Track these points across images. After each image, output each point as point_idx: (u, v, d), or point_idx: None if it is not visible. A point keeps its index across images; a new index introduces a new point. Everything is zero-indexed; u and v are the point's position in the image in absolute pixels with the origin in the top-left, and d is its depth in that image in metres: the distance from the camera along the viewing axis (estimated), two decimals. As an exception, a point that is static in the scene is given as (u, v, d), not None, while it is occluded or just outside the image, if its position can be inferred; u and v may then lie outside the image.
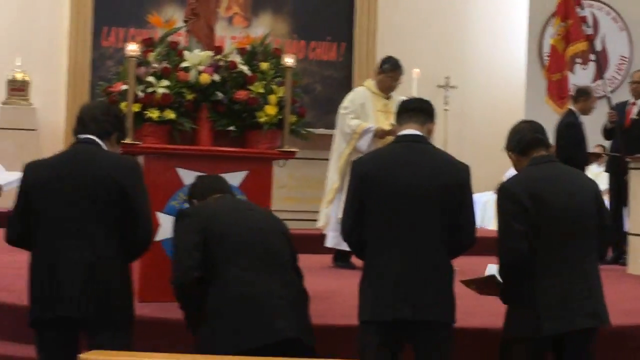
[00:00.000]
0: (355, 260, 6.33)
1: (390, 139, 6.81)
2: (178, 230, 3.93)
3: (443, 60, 12.19)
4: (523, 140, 3.95)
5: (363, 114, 7.05)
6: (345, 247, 6.64)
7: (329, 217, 7.17)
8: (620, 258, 7.96)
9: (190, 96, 5.17)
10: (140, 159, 5.17)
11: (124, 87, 5.10)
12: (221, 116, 5.27)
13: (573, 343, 3.76)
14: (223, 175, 4.58)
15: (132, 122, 4.98)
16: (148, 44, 5.31)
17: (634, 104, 8.29)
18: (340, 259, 7.18)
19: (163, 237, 4.91)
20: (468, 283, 4.04)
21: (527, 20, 11.58)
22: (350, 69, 12.27)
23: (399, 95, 7.28)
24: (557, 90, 8.92)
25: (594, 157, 8.51)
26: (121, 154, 4.14)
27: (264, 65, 5.39)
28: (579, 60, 10.90)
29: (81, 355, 2.86)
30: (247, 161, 5.24)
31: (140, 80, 5.09)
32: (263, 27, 10.92)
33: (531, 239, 3.70)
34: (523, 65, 11.59)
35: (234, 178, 5.03)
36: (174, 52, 5.29)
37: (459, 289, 3.89)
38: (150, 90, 5.09)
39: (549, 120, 9.45)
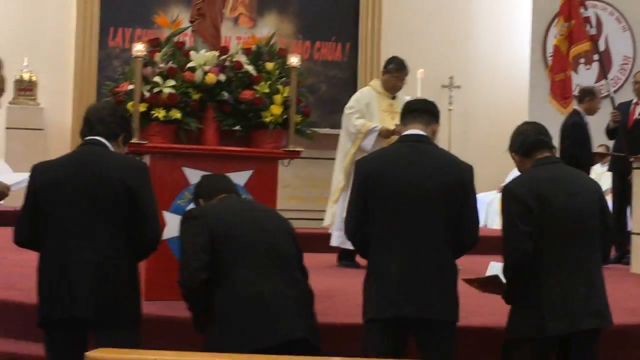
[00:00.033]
0: (360, 259, 6.33)
1: (395, 138, 6.81)
2: (185, 232, 3.92)
3: (447, 61, 12.18)
4: (526, 141, 3.95)
5: (368, 113, 7.05)
6: (349, 246, 6.64)
7: (334, 217, 7.17)
8: (623, 257, 7.94)
9: (196, 96, 5.18)
10: (147, 158, 5.18)
11: (131, 87, 5.10)
12: (227, 116, 5.27)
13: (577, 343, 3.75)
14: (229, 174, 4.58)
15: (139, 121, 4.98)
16: (154, 44, 5.32)
17: (637, 103, 8.28)
18: (345, 258, 7.19)
19: (169, 235, 4.92)
20: (470, 281, 4.04)
21: (531, 20, 11.56)
22: (355, 69, 12.27)
23: (404, 95, 7.30)
24: (560, 90, 8.90)
25: (599, 157, 8.49)
26: (127, 153, 4.15)
27: (270, 66, 5.40)
28: (582, 60, 10.88)
29: (88, 353, 2.86)
30: (252, 160, 5.24)
31: (146, 80, 5.10)
32: (268, 28, 10.92)
33: (536, 240, 3.70)
34: (527, 66, 11.57)
35: (240, 177, 5.03)
36: (180, 52, 5.30)
37: (462, 288, 3.89)
38: (156, 90, 5.10)
39: (553, 120, 9.45)
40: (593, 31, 8.86)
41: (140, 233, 3.75)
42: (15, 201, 4.58)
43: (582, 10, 8.60)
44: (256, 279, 3.75)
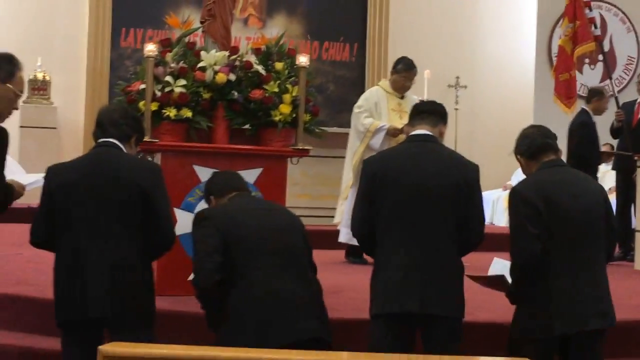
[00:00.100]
0: (367, 256, 6.34)
1: (402, 137, 6.82)
2: (197, 234, 3.91)
3: (454, 61, 12.16)
4: (533, 145, 3.94)
5: (377, 112, 7.06)
6: (357, 242, 6.66)
7: (343, 214, 7.18)
8: (627, 255, 7.92)
9: (206, 95, 5.18)
10: (158, 157, 5.19)
11: (142, 86, 5.11)
12: (237, 115, 5.28)
13: (581, 343, 3.75)
14: (239, 172, 4.58)
15: (150, 120, 4.99)
16: (166, 45, 5.32)
17: (641, 103, 8.26)
18: (353, 254, 7.19)
19: (180, 232, 4.90)
20: (475, 278, 4.04)
21: (536, 21, 11.53)
22: (362, 69, 12.25)
23: (412, 95, 7.30)
24: (564, 90, 8.88)
25: (607, 157, 8.46)
26: (139, 152, 4.16)
27: (279, 65, 5.40)
28: (587, 60, 10.85)
29: (101, 347, 2.87)
30: (262, 159, 5.25)
31: (158, 79, 5.11)
32: (277, 28, 10.91)
33: (544, 241, 3.70)
34: (532, 66, 11.54)
35: (249, 175, 5.03)
36: (190, 52, 5.30)
37: (467, 283, 3.89)
38: (167, 89, 5.11)
39: (558, 119, 9.43)
40: (598, 32, 8.84)
41: (154, 234, 3.76)
42: (29, 199, 4.59)
43: (586, 11, 8.57)
44: (269, 278, 3.74)
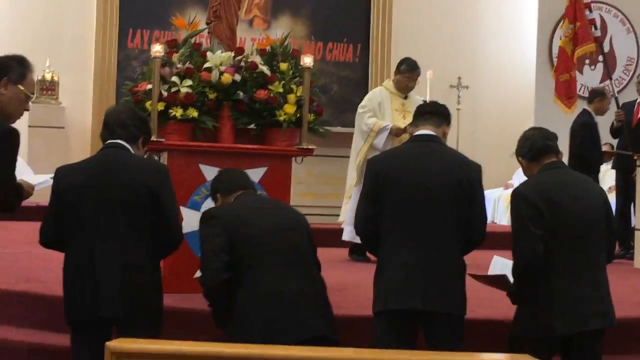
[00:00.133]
0: (371, 254, 6.33)
1: (405, 136, 6.82)
2: (205, 233, 3.91)
3: (456, 62, 12.14)
4: (534, 147, 3.94)
5: (380, 112, 7.06)
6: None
7: (347, 212, 7.19)
8: (627, 253, 7.91)
9: (212, 95, 5.19)
10: (165, 156, 5.20)
11: (149, 86, 5.11)
12: (242, 114, 5.28)
13: (582, 343, 3.75)
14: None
15: (157, 120, 5.00)
16: (172, 45, 5.33)
17: (641, 103, 8.25)
18: (356, 252, 7.19)
19: (186, 230, 4.90)
20: (477, 277, 4.04)
21: (537, 22, 11.51)
22: (366, 70, 12.24)
23: (416, 95, 7.30)
24: (565, 91, 8.88)
25: (608, 156, 8.44)
26: (146, 150, 4.16)
27: (283, 66, 5.40)
28: (587, 61, 10.84)
29: (108, 343, 2.87)
30: (266, 158, 5.25)
31: (164, 80, 5.11)
32: (282, 29, 10.87)
33: (546, 242, 3.69)
34: (533, 67, 11.53)
35: (254, 174, 5.02)
36: (196, 53, 5.31)
37: (468, 282, 3.89)
38: (174, 89, 5.11)
39: (558, 119, 9.42)
40: (598, 33, 8.83)
41: (163, 234, 3.76)
42: (37, 198, 4.59)
43: (587, 12, 8.56)
44: (275, 277, 3.74)
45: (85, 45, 11.47)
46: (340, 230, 7.26)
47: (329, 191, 9.10)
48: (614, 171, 8.67)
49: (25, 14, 11.26)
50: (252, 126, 5.32)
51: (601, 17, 11.14)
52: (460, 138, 11.40)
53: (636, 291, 5.85)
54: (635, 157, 7.59)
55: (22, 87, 3.63)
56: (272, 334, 3.57)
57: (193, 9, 10.88)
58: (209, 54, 5.30)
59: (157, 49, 5.01)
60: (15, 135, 3.56)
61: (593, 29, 8.60)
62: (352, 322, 4.45)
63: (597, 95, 8.28)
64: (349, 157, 7.42)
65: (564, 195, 3.78)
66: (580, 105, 8.60)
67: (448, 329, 3.78)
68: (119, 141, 3.82)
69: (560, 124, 9.50)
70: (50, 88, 10.95)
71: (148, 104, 5.06)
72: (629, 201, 8.08)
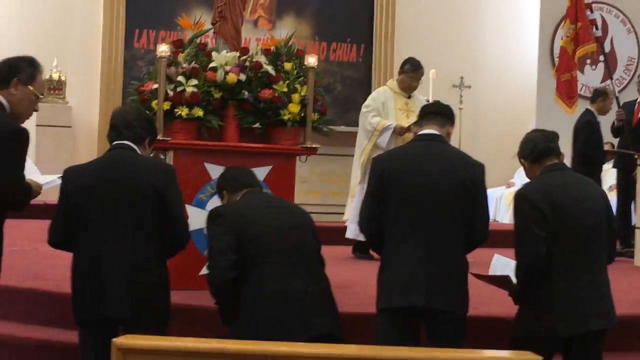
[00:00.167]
0: (374, 252, 6.33)
1: (408, 135, 6.82)
2: (212, 232, 3.91)
3: (458, 62, 12.13)
4: (536, 149, 3.94)
5: (384, 112, 7.05)
6: (364, 238, 6.65)
7: (351, 210, 7.19)
8: (627, 252, 7.90)
9: (217, 95, 5.19)
10: (170, 154, 5.20)
11: (155, 86, 5.12)
12: (247, 114, 5.28)
13: (583, 343, 3.74)
14: (248, 169, 4.58)
15: (163, 119, 5.00)
16: (178, 45, 5.33)
17: (641, 103, 8.24)
18: (360, 250, 7.19)
19: (191, 228, 4.90)
20: (480, 277, 4.03)
21: (539, 23, 11.50)
22: (369, 70, 12.24)
23: (419, 95, 7.30)
24: (566, 90, 8.87)
25: (610, 155, 8.43)
26: (152, 149, 4.16)
27: (288, 66, 5.40)
28: (588, 61, 10.82)
29: (115, 340, 2.87)
30: (271, 156, 5.25)
31: (170, 79, 5.11)
32: (286, 30, 10.89)
33: (549, 244, 3.69)
34: (535, 67, 11.50)
35: (259, 172, 5.01)
36: (202, 53, 5.31)
37: (470, 278, 3.88)
38: (179, 89, 5.11)
39: (559, 119, 9.40)
40: (599, 33, 8.82)
41: (170, 234, 3.76)
42: (44, 196, 4.60)
43: (588, 12, 8.55)
44: (280, 276, 3.74)
45: (92, 45, 11.48)
46: (344, 228, 7.25)
47: (333, 189, 9.10)
48: (615, 170, 8.66)
49: (34, 14, 11.28)
50: (256, 125, 5.32)
51: (602, 17, 11.11)
52: (463, 137, 11.39)
53: (636, 289, 5.84)
54: (636, 156, 7.58)
55: (32, 88, 3.65)
56: (277, 333, 3.56)
57: (198, 10, 10.87)
58: (214, 53, 5.30)
59: (163, 49, 5.01)
60: (25, 135, 3.57)
61: (594, 29, 8.59)
62: (355, 319, 4.45)
63: (599, 95, 8.27)
64: (352, 155, 7.42)
65: (566, 197, 3.77)
66: (581, 105, 8.59)
67: (450, 327, 3.78)
68: (125, 142, 3.82)
69: (562, 123, 9.48)
70: (57, 87, 10.95)
71: (154, 103, 5.06)
72: (630, 200, 8.07)
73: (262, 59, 5.41)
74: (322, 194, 9.22)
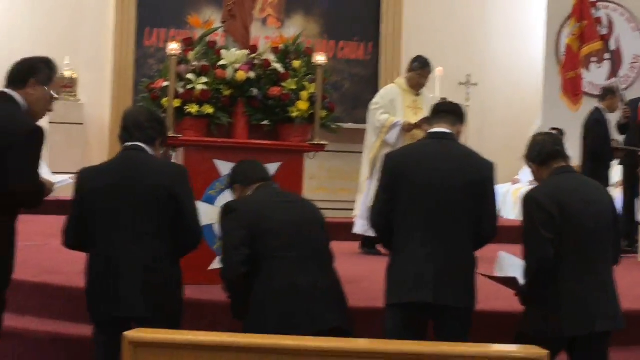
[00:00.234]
0: (381, 247, 6.33)
1: (416, 132, 6.82)
2: (225, 226, 3.91)
3: (465, 59, 12.11)
4: (543, 151, 3.93)
5: (392, 109, 7.05)
6: (372, 234, 6.66)
7: (359, 206, 7.20)
8: (632, 247, 7.88)
9: (227, 92, 5.19)
10: (181, 151, 5.21)
11: (165, 83, 5.12)
12: (256, 111, 5.28)
13: (588, 344, 3.74)
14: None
15: (173, 116, 5.01)
16: (188, 44, 5.33)
17: (646, 100, 8.22)
18: (367, 245, 7.19)
19: (201, 224, 4.93)
20: (488, 277, 4.03)
21: (545, 21, 11.46)
22: (376, 67, 12.23)
23: (427, 92, 7.29)
24: (571, 88, 8.86)
25: (619, 153, 8.39)
26: (164, 150, 4.17)
27: (296, 64, 5.40)
28: (594, 59, 10.78)
29: (126, 333, 2.88)
30: (280, 153, 5.25)
31: (180, 77, 5.12)
32: (295, 28, 10.90)
33: (557, 246, 3.69)
34: (541, 64, 11.47)
35: (268, 169, 5.01)
36: (212, 51, 5.31)
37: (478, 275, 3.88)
38: (189, 86, 5.12)
39: (565, 116, 9.39)
40: (604, 31, 8.81)
41: (182, 234, 3.76)
42: (57, 192, 4.61)
43: (593, 11, 8.53)
44: (291, 271, 3.74)
45: (103, 43, 11.50)
46: (351, 224, 7.25)
47: (341, 186, 9.10)
48: (620, 167, 8.64)
49: (46, 14, 11.30)
50: (265, 122, 5.33)
51: (608, 15, 11.08)
52: (469, 134, 11.35)
53: (638, 284, 5.82)
54: (640, 153, 7.57)
55: (48, 89, 3.68)
56: (287, 327, 3.56)
57: (208, 8, 10.90)
58: (223, 51, 5.30)
59: (174, 47, 5.02)
60: (41, 134, 3.60)
61: (599, 27, 8.57)
62: (363, 313, 4.44)
63: (608, 93, 8.26)
64: (360, 152, 7.42)
65: (574, 199, 3.77)
66: (587, 102, 8.57)
67: (458, 322, 3.79)
68: (137, 143, 3.82)
69: (567, 120, 9.47)
70: (69, 85, 10.97)
71: (164, 100, 5.07)
72: (635, 196, 8.06)
73: (271, 57, 5.41)
74: (330, 191, 9.21)
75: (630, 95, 8.91)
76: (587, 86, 10.12)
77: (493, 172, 3.92)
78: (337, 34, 12.07)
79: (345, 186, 8.82)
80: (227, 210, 3.95)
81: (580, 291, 3.69)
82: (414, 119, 6.90)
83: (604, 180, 7.73)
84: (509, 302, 4.33)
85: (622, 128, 8.32)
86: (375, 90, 9.09)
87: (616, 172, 8.97)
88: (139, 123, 3.85)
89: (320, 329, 3.60)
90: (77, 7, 11.41)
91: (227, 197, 4.75)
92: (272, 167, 5.14)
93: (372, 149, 7.07)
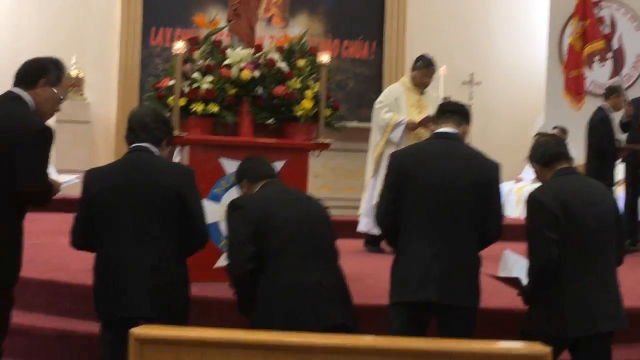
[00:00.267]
0: (385, 245, 6.33)
1: (420, 130, 6.82)
2: (232, 223, 3.91)
3: (468, 58, 12.10)
4: (546, 153, 3.94)
5: (397, 107, 7.04)
6: (376, 232, 6.66)
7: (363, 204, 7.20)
8: (634, 245, 7.87)
9: (232, 91, 5.19)
10: (186, 150, 5.21)
11: (171, 82, 5.12)
12: (261, 110, 5.28)
13: (591, 344, 3.74)
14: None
15: (179, 115, 5.01)
16: (193, 43, 5.33)
17: (649, 98, 8.20)
18: (371, 243, 7.18)
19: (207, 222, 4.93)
20: (492, 277, 4.02)
21: (548, 20, 11.45)
22: (380, 67, 12.23)
23: (431, 91, 7.29)
24: (574, 87, 8.84)
25: (623, 152, 8.37)
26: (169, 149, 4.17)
27: (301, 63, 5.40)
28: (597, 58, 10.76)
29: (133, 330, 2.88)
30: (284, 152, 5.25)
31: (186, 76, 5.12)
32: (300, 27, 10.90)
33: (560, 246, 3.69)
34: (544, 63, 11.47)
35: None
36: (217, 50, 5.31)
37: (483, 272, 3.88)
38: (195, 85, 5.12)
39: (568, 115, 9.38)
40: (607, 30, 8.79)
41: (189, 234, 3.76)
42: (64, 190, 4.63)
43: (596, 10, 8.51)
44: (297, 268, 3.74)
45: (109, 43, 11.52)
46: (355, 222, 7.25)
47: (345, 184, 9.10)
48: (622, 165, 8.62)
49: (53, 14, 11.33)
50: (270, 121, 5.32)
51: (611, 14, 11.06)
52: (472, 132, 11.32)
53: (642, 282, 5.82)
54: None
55: (57, 90, 3.69)
56: (292, 324, 3.55)
57: (214, 8, 10.91)
58: (229, 51, 5.30)
59: (179, 47, 5.02)
60: (49, 133, 3.61)
61: (602, 26, 8.55)
62: (367, 310, 4.44)
63: (613, 92, 8.24)
64: (364, 151, 7.41)
65: (578, 200, 3.77)
66: (589, 101, 8.54)
67: (462, 321, 3.78)
68: (144, 144, 3.82)
69: (570, 119, 9.47)
70: (76, 84, 10.99)
71: (170, 99, 5.07)
72: (637, 194, 8.04)
73: (275, 56, 5.41)
74: (334, 189, 9.21)
75: (632, 94, 8.89)
76: (590, 85, 10.10)
77: (499, 173, 3.92)
78: (342, 34, 12.07)
79: (349, 184, 8.82)
80: (234, 207, 3.94)
81: (583, 292, 3.69)
82: (418, 118, 6.89)
83: (609, 179, 7.72)
84: (512, 299, 4.32)
85: (624, 126, 8.30)
86: (379, 89, 9.10)
87: (619, 170, 8.95)
88: (145, 124, 3.84)
89: (325, 326, 3.59)
90: (84, 7, 11.43)
91: (232, 195, 4.76)
92: (277, 166, 5.13)
93: (376, 147, 7.06)
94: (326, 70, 5.29)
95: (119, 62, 11.47)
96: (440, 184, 3.78)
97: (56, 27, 11.22)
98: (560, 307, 3.69)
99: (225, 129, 5.22)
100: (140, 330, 2.89)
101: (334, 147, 5.76)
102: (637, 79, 11.15)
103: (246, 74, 5.19)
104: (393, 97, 7.10)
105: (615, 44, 10.82)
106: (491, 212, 3.86)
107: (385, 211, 3.94)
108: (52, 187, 3.71)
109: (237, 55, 5.27)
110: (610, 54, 10.30)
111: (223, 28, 5.60)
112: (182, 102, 5.04)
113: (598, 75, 10.83)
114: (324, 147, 5.34)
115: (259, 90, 5.26)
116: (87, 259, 3.89)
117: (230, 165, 5.04)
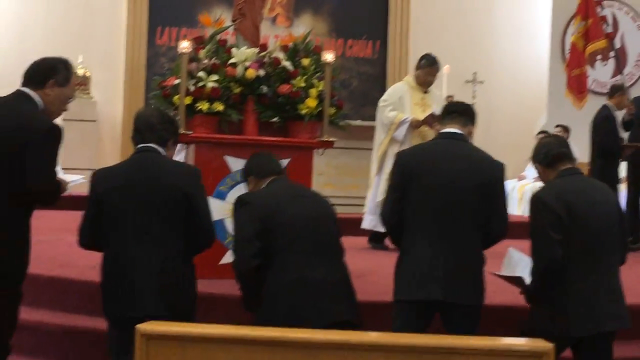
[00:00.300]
0: (389, 242, 6.33)
1: (424, 128, 6.81)
2: (238, 219, 3.90)
3: (471, 57, 12.09)
4: (550, 153, 3.93)
5: (401, 106, 7.03)
6: (380, 229, 6.66)
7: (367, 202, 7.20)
8: (636, 243, 7.85)
9: (237, 90, 5.19)
10: (192, 148, 5.21)
11: (177, 81, 5.13)
12: (266, 108, 5.28)
13: (594, 343, 3.73)
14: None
15: (184, 113, 5.01)
16: (199, 42, 5.33)
17: (651, 97, 8.18)
18: (375, 240, 7.18)
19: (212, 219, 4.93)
20: (496, 275, 4.02)
21: (551, 19, 11.43)
22: (384, 66, 12.22)
23: (435, 90, 7.28)
24: (576, 85, 8.82)
25: (628, 150, 8.35)
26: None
27: (305, 62, 5.39)
28: (599, 57, 10.74)
29: (139, 326, 2.88)
30: (289, 150, 5.25)
31: (191, 75, 5.12)
32: (304, 27, 10.90)
33: (564, 247, 3.68)
34: (546, 62, 11.45)
35: (278, 165, 5.04)
36: (222, 49, 5.31)
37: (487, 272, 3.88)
38: (200, 84, 5.12)
39: (570, 113, 9.36)
40: (609, 29, 8.76)
41: (196, 233, 3.75)
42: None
43: (598, 9, 8.49)
44: (302, 264, 3.74)
45: (116, 42, 11.53)
46: (359, 220, 7.25)
47: (349, 182, 9.10)
48: (624, 163, 8.60)
49: (60, 13, 11.34)
50: (275, 119, 5.32)
51: (613, 14, 11.03)
52: (476, 131, 11.34)
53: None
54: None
55: (65, 90, 3.70)
56: (297, 320, 3.56)
57: (219, 7, 10.90)
58: (234, 50, 5.30)
59: (185, 46, 5.02)
60: (58, 132, 3.62)
61: (604, 25, 8.53)
62: (371, 307, 4.44)
63: (617, 90, 8.21)
64: (367, 149, 7.42)
65: (581, 200, 3.77)
66: (591, 100, 8.52)
67: (466, 320, 3.79)
68: (150, 145, 3.82)
69: (572, 118, 9.45)
70: (82, 83, 11.00)
71: (176, 98, 5.08)
72: (639, 192, 8.02)
73: (280, 55, 5.41)
74: (338, 187, 9.21)
75: (634, 92, 8.87)
76: (592, 84, 10.08)
77: (503, 173, 3.93)
78: (346, 33, 12.07)
79: (353, 182, 8.82)
80: (241, 203, 3.94)
81: (587, 292, 3.68)
82: (421, 116, 6.89)
83: (614, 177, 7.70)
84: (515, 297, 4.32)
85: (626, 125, 8.29)
86: (382, 88, 9.10)
87: (621, 168, 8.93)
88: (151, 125, 3.84)
89: (329, 322, 3.59)
90: (90, 6, 11.44)
91: (237, 192, 4.76)
92: (282, 163, 5.13)
93: (380, 146, 7.06)
94: (330, 69, 5.29)
95: (125, 61, 11.48)
96: (445, 184, 3.78)
97: (63, 26, 11.23)
98: (563, 307, 3.68)
99: (230, 127, 5.22)
100: (146, 326, 2.89)
101: (338, 145, 5.76)
102: (639, 77, 11.13)
103: (251, 73, 5.20)
104: (397, 95, 7.10)
105: (617, 43, 10.79)
106: (496, 212, 3.87)
107: (390, 210, 3.93)
108: (60, 186, 3.71)
109: (242, 54, 5.27)
110: (612, 53, 10.26)
111: (228, 27, 5.60)
112: (188, 100, 5.05)
113: (600, 74, 10.82)
114: (328, 145, 5.34)
115: (264, 88, 5.26)
116: (94, 256, 3.90)
117: (235, 163, 5.04)
